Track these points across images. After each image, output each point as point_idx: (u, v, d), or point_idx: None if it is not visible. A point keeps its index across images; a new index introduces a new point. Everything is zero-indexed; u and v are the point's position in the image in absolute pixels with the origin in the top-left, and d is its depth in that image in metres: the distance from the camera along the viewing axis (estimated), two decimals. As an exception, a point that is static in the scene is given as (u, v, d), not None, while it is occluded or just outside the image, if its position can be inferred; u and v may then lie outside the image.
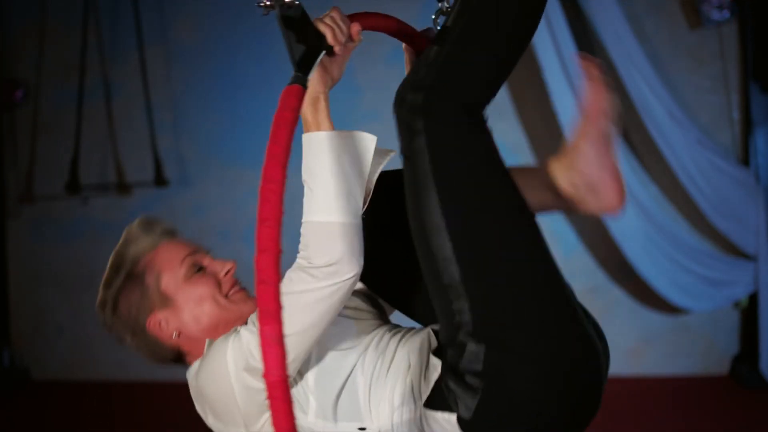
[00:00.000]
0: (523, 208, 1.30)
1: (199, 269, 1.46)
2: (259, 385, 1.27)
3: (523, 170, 1.49)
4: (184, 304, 1.44)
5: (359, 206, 1.28)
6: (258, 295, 1.03)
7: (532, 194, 1.37)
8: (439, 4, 1.41)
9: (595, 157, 1.45)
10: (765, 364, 4.26)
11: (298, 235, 1.29)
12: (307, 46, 1.23)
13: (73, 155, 4.51)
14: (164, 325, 1.45)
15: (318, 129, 1.28)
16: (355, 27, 1.27)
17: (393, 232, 1.41)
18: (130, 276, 1.46)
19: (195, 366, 1.45)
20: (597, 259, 4.54)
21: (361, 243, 1.28)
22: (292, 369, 1.32)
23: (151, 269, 1.45)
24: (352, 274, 1.27)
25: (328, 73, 1.29)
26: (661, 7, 4.41)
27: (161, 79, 4.57)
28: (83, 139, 4.56)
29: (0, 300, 4.75)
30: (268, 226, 1.05)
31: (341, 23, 1.26)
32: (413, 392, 1.35)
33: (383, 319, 1.55)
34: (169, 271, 1.45)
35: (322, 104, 1.29)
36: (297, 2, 1.24)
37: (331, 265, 1.26)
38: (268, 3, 1.24)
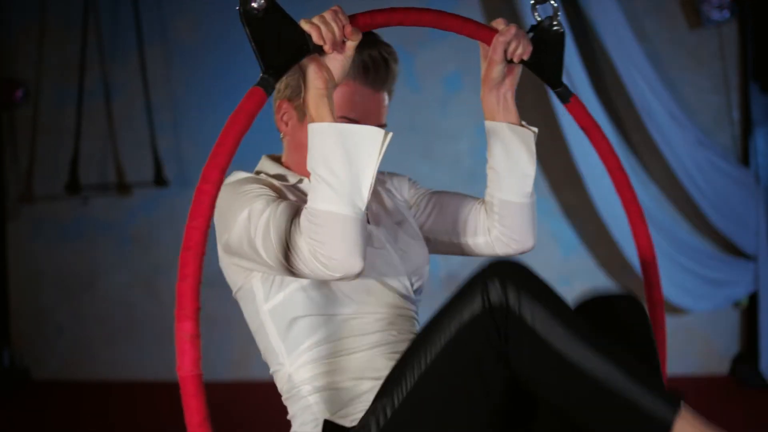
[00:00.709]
0: None
1: None
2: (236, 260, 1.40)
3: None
4: (299, 130, 1.45)
5: (360, 197, 1.23)
6: (178, 291, 1.06)
7: None
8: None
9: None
10: (765, 364, 4.26)
11: None
12: (283, 46, 1.20)
13: (73, 155, 4.51)
14: (287, 119, 1.47)
15: (321, 121, 1.26)
16: (348, 27, 1.24)
17: None
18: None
19: (241, 174, 1.45)
20: (597, 259, 4.54)
21: (359, 239, 1.23)
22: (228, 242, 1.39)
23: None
24: (335, 275, 1.25)
25: (324, 72, 1.26)
26: (661, 7, 4.41)
27: (161, 79, 4.56)
28: (83, 139, 4.56)
29: (0, 300, 4.75)
30: (194, 226, 1.11)
31: (332, 21, 1.23)
32: (334, 397, 1.40)
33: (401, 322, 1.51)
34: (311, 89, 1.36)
35: (324, 100, 1.26)
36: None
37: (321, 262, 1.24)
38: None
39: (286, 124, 1.48)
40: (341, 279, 1.27)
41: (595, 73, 4.26)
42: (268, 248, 1.29)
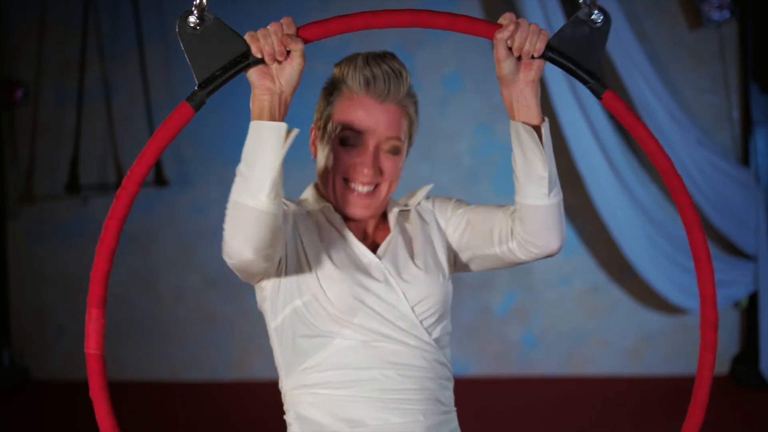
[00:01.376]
0: None
1: (349, 144, 1.46)
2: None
3: None
4: (325, 151, 1.48)
5: (262, 190, 1.25)
6: (92, 284, 1.22)
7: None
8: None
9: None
10: (765, 364, 4.26)
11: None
12: (220, 61, 1.24)
13: (73, 155, 4.51)
14: (316, 142, 1.52)
15: (253, 120, 1.31)
16: (286, 38, 1.24)
17: None
18: (326, 87, 1.51)
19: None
20: (597, 259, 4.54)
21: (257, 230, 1.26)
22: None
23: (336, 101, 1.48)
24: (230, 261, 1.31)
25: (268, 81, 1.27)
26: (661, 7, 4.41)
27: (161, 79, 4.57)
28: (83, 139, 4.56)
29: (0, 300, 4.75)
30: (109, 226, 1.25)
31: (272, 34, 1.24)
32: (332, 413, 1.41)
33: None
34: (335, 121, 1.47)
35: (265, 105, 1.29)
36: (196, 15, 1.23)
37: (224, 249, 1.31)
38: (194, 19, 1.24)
39: (315, 148, 1.54)
40: (235, 266, 1.32)
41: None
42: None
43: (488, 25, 1.30)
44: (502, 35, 1.28)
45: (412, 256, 1.50)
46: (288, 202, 1.48)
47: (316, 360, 1.42)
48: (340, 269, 1.41)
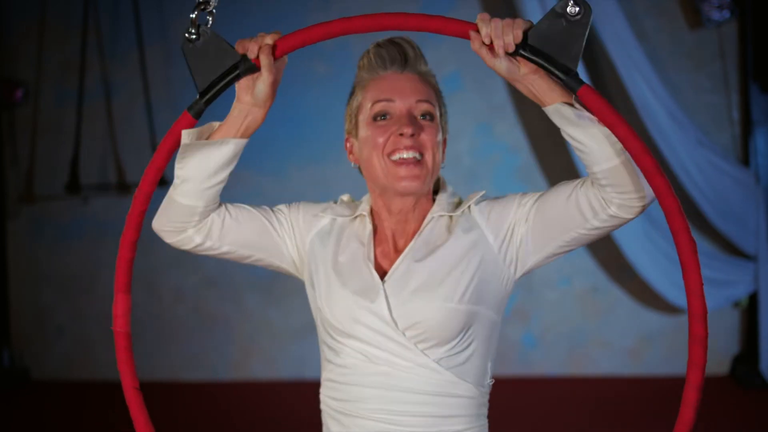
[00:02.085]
0: None
1: (383, 117, 1.46)
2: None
3: None
4: (362, 143, 1.49)
5: (175, 184, 1.56)
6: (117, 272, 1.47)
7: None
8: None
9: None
10: (765, 364, 4.27)
11: None
12: (216, 72, 1.32)
13: (73, 155, 4.51)
14: (353, 149, 1.54)
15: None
16: (255, 48, 1.31)
17: None
18: (354, 89, 1.53)
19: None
20: (597, 259, 4.54)
21: (169, 215, 1.58)
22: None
23: (359, 93, 1.51)
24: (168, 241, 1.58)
25: (247, 94, 1.36)
26: (661, 7, 4.41)
27: (161, 79, 4.57)
28: (83, 139, 4.56)
29: (0, 300, 4.75)
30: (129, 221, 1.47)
31: (253, 42, 1.31)
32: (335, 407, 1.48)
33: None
34: (365, 105, 1.48)
35: (241, 112, 1.38)
36: (192, 31, 1.31)
37: None
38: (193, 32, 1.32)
39: (356, 154, 1.54)
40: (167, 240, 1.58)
41: (595, 73, 4.26)
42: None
43: (462, 24, 1.30)
44: (475, 45, 1.30)
45: (423, 276, 1.45)
46: (317, 211, 1.55)
47: (328, 368, 1.49)
48: (344, 287, 1.44)
